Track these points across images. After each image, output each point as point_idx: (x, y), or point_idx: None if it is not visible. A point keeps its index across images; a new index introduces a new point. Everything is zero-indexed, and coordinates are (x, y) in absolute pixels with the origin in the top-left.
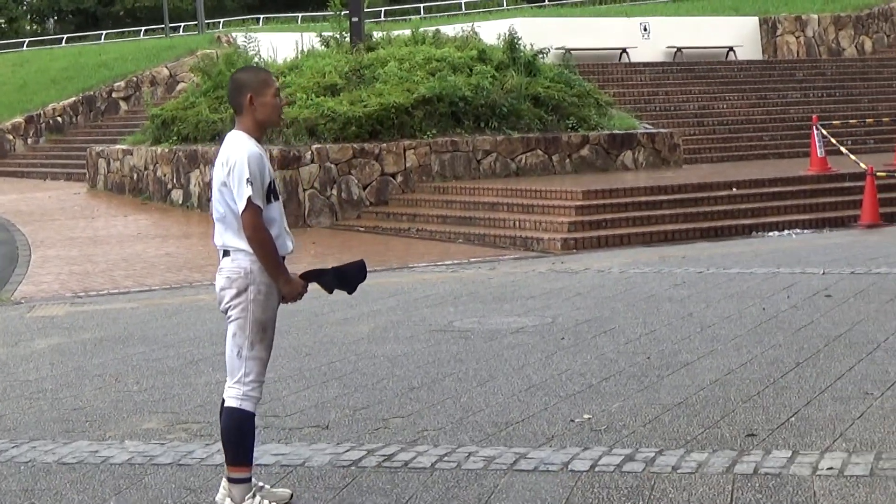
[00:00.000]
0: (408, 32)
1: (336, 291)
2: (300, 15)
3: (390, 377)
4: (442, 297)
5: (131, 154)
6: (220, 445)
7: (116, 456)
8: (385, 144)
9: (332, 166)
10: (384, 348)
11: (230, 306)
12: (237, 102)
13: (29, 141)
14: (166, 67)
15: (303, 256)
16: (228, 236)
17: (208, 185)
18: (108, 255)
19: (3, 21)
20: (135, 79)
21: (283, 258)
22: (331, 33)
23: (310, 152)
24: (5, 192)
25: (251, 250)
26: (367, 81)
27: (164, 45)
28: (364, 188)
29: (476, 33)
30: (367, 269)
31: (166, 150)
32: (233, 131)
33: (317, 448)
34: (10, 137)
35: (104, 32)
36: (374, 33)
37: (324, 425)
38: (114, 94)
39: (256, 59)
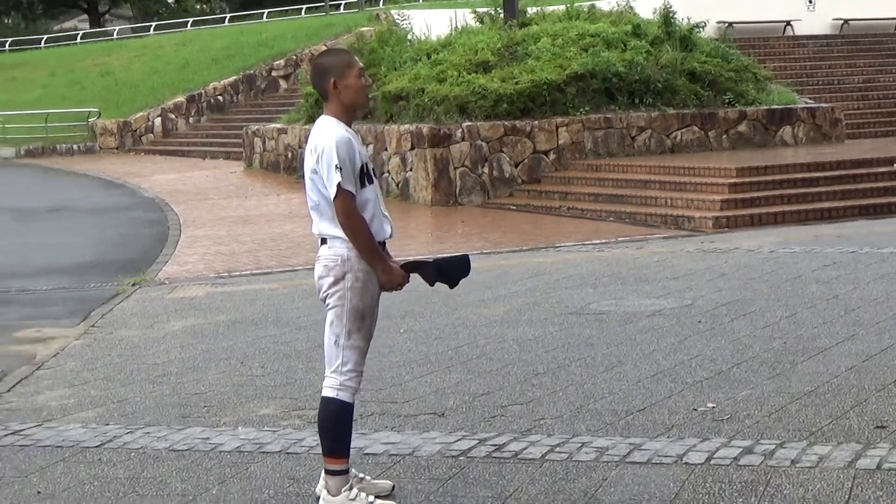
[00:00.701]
0: (562, 8)
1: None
2: None
3: (516, 362)
4: (583, 278)
5: (286, 133)
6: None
7: (227, 443)
8: (537, 122)
9: (483, 144)
10: (515, 331)
11: (328, 294)
12: (322, 88)
13: (190, 120)
14: (325, 45)
15: (450, 235)
16: (324, 224)
17: None
18: (255, 234)
19: (171, 0)
20: (294, 57)
21: (383, 244)
22: (485, 9)
23: (460, 130)
24: (164, 171)
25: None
26: (520, 58)
27: (324, 23)
28: (516, 166)
29: (631, 8)
30: (471, 264)
31: None
32: (321, 117)
33: (428, 437)
34: (173, 116)
35: (266, 11)
36: (529, 9)
37: (440, 413)
38: (273, 73)
39: (409, 37)
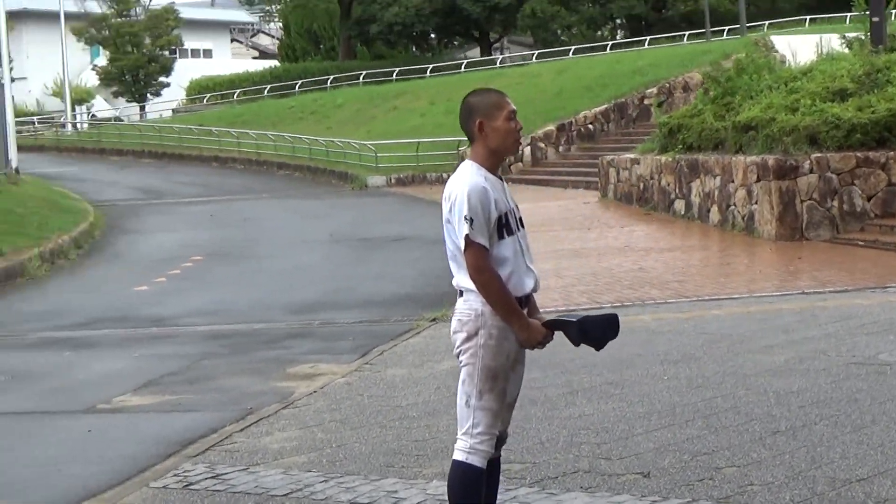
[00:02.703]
0: None
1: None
2: (848, 15)
3: (763, 418)
4: (891, 324)
5: (638, 163)
6: (518, 491)
7: (410, 498)
8: (893, 153)
9: (833, 176)
10: (782, 382)
11: (461, 351)
12: (468, 129)
13: (560, 149)
14: (699, 73)
15: (777, 273)
16: (461, 276)
17: (708, 196)
18: (580, 268)
19: (557, 28)
20: (667, 85)
21: (527, 298)
22: (854, 34)
23: (808, 161)
24: (520, 201)
25: None
26: (880, 85)
27: (700, 49)
28: (868, 199)
29: None
30: (620, 325)
31: (670, 159)
32: (465, 161)
33: (614, 500)
34: (542, 145)
35: (648, 38)
36: None
37: (645, 473)
38: (645, 101)
39: (770, 64)
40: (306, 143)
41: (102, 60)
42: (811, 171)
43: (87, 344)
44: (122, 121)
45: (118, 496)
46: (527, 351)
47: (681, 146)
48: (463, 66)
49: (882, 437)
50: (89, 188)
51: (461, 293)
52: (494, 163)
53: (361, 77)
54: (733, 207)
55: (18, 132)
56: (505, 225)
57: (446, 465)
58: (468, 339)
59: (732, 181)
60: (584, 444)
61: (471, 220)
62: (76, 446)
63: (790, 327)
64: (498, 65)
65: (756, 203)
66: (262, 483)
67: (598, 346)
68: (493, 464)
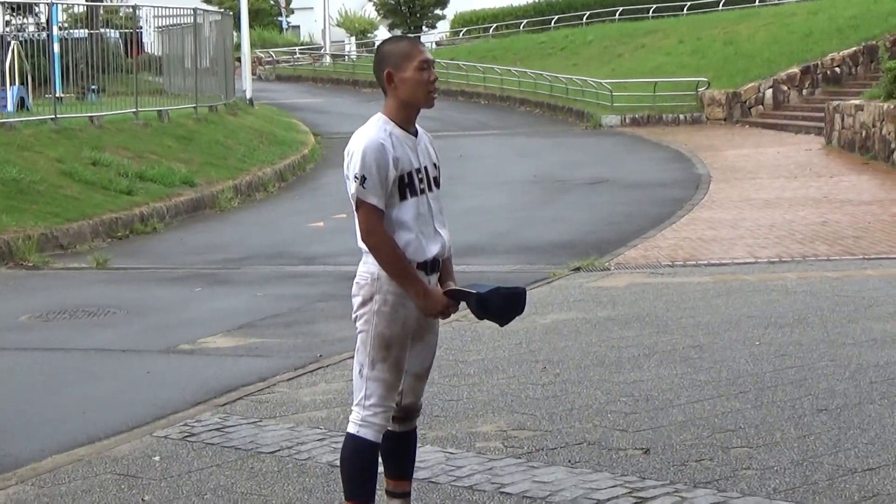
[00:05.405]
0: None
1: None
2: None
3: (822, 393)
4: None
5: (862, 110)
6: (499, 462)
7: None
8: None
9: None
10: (874, 355)
11: (356, 316)
12: (379, 80)
13: (804, 92)
14: None
15: None
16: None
17: None
18: (758, 220)
19: None
20: None
21: (434, 263)
22: None
23: None
24: (743, 146)
25: None
26: None
27: None
28: None
29: None
30: (526, 301)
31: (892, 106)
32: (375, 115)
33: (589, 478)
34: (785, 88)
35: None
36: None
37: (645, 449)
38: None
39: None
40: (548, 79)
41: None
42: None
43: (224, 280)
44: None
45: (115, 444)
46: (617, 310)
47: None
48: (721, 4)
49: None
50: (325, 120)
51: (363, 255)
52: (406, 116)
53: (617, 14)
54: None
55: (286, 62)
56: (408, 185)
57: (460, 426)
58: (363, 304)
59: None
60: (611, 413)
61: (362, 178)
62: (121, 389)
63: None
64: (756, 3)
65: None
66: (258, 439)
67: (501, 321)
68: (408, 436)
